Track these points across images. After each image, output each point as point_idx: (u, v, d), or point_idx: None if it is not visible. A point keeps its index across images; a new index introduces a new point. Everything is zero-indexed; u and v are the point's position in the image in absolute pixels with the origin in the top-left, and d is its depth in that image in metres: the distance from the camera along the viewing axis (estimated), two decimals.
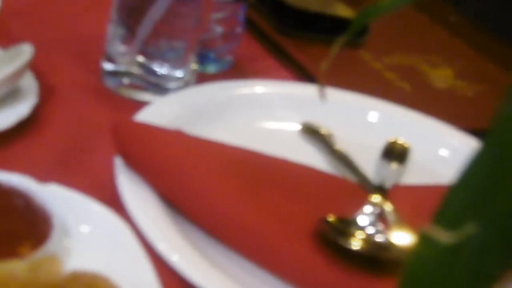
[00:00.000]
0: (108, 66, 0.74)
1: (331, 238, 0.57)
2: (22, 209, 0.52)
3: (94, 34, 0.79)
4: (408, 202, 0.65)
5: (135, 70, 0.73)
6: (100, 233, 0.53)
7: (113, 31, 0.73)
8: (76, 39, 0.81)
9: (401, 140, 0.73)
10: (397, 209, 0.63)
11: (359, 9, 0.94)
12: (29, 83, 0.68)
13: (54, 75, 0.73)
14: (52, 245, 0.50)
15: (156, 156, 0.60)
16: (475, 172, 0.25)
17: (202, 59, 0.79)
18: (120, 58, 0.73)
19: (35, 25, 0.82)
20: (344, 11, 0.94)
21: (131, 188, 0.58)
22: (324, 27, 0.91)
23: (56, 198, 0.53)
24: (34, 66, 0.68)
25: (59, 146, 0.65)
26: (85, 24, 0.84)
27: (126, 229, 0.53)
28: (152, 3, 0.70)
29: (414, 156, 0.73)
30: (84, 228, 0.53)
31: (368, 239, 0.58)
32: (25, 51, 0.66)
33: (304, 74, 0.84)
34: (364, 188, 0.66)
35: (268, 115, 0.75)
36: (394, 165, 0.70)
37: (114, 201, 0.56)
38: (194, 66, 0.75)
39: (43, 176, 0.56)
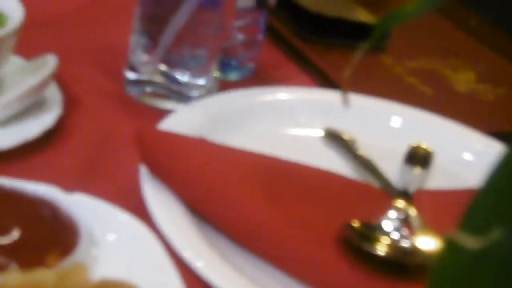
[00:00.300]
0: (131, 75, 0.75)
1: (356, 243, 0.57)
2: (49, 218, 0.53)
3: (117, 44, 0.79)
4: (433, 207, 0.65)
5: (158, 78, 0.73)
6: (126, 241, 0.53)
7: (135, 40, 0.74)
8: (99, 48, 0.82)
9: (424, 145, 0.73)
10: (421, 214, 0.63)
11: (379, 14, 0.94)
12: (53, 93, 0.69)
13: (78, 85, 0.74)
14: (79, 253, 0.50)
15: (180, 164, 0.60)
16: (501, 177, 0.25)
17: (224, 66, 0.79)
18: (143, 67, 0.74)
19: (58, 35, 0.82)
20: (364, 16, 0.94)
21: (156, 196, 0.58)
22: (344, 32, 0.91)
23: (82, 207, 0.54)
24: (58, 76, 0.69)
25: (84, 155, 0.65)
26: (108, 34, 0.85)
27: (152, 237, 0.53)
28: (174, 12, 0.70)
29: (438, 161, 0.73)
30: (111, 237, 0.54)
31: (393, 244, 0.58)
32: (49, 62, 0.67)
33: (326, 80, 0.84)
34: (388, 193, 0.66)
35: (291, 122, 0.75)
36: (417, 170, 0.70)
37: (139, 209, 0.57)
38: (216, 73, 0.76)
39: (68, 185, 0.56)
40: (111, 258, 0.52)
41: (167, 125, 0.67)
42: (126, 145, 0.66)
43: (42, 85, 0.66)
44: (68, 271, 0.47)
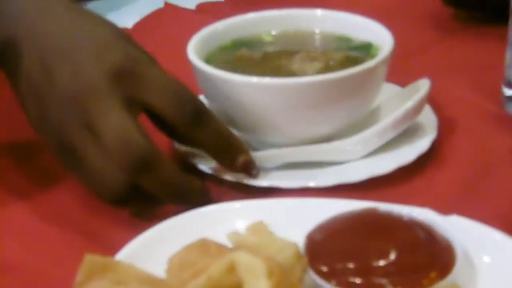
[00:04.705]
0: (508, 92, 0.73)
1: None
2: (425, 241, 0.53)
3: (492, 60, 0.78)
4: None
5: None
6: (503, 263, 0.52)
7: (511, 55, 0.72)
8: (473, 67, 0.81)
9: None
10: None
11: None
12: (428, 117, 0.70)
13: (453, 106, 0.73)
14: (455, 275, 0.50)
15: None
16: None
17: None
18: None
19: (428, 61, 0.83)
20: None
21: None
22: None
23: (457, 229, 0.53)
24: (432, 99, 0.70)
25: (460, 178, 0.64)
26: (480, 51, 0.84)
27: None
28: None
29: None
30: (487, 258, 0.53)
31: None
32: (423, 86, 0.68)
33: None
34: None
35: None
36: None
37: None
38: None
39: (444, 208, 0.56)
40: (486, 281, 0.51)
41: None
42: (504, 164, 0.64)
43: (416, 110, 0.67)
44: None
